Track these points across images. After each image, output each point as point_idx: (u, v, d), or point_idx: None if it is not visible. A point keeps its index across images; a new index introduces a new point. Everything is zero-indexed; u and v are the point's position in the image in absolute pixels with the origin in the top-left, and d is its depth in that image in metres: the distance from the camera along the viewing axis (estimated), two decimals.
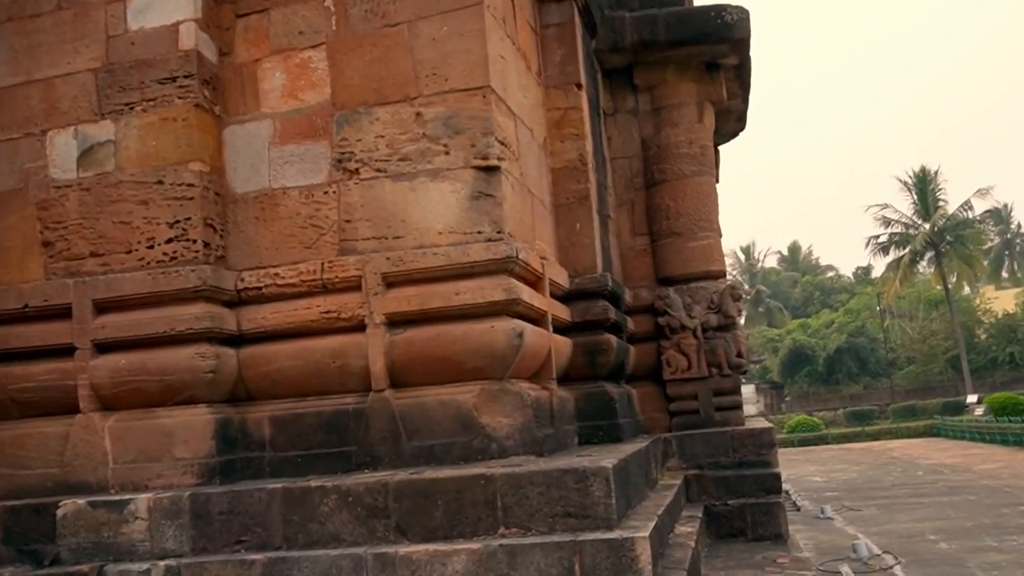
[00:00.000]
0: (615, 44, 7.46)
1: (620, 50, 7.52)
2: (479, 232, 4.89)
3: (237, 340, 5.17)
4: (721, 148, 10.79)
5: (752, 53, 7.99)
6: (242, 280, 5.17)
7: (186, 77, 5.18)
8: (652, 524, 4.28)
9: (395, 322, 4.93)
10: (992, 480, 15.26)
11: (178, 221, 5.10)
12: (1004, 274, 61.43)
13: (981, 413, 35.04)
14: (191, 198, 5.10)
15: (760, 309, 66.83)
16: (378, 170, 5.09)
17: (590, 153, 6.53)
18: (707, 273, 7.58)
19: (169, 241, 5.09)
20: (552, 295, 5.87)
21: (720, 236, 10.61)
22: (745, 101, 9.03)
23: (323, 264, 5.06)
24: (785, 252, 77.89)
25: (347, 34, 5.23)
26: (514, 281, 4.84)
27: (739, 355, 7.44)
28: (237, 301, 5.20)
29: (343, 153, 5.15)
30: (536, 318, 5.30)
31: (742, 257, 72.31)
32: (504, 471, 4.21)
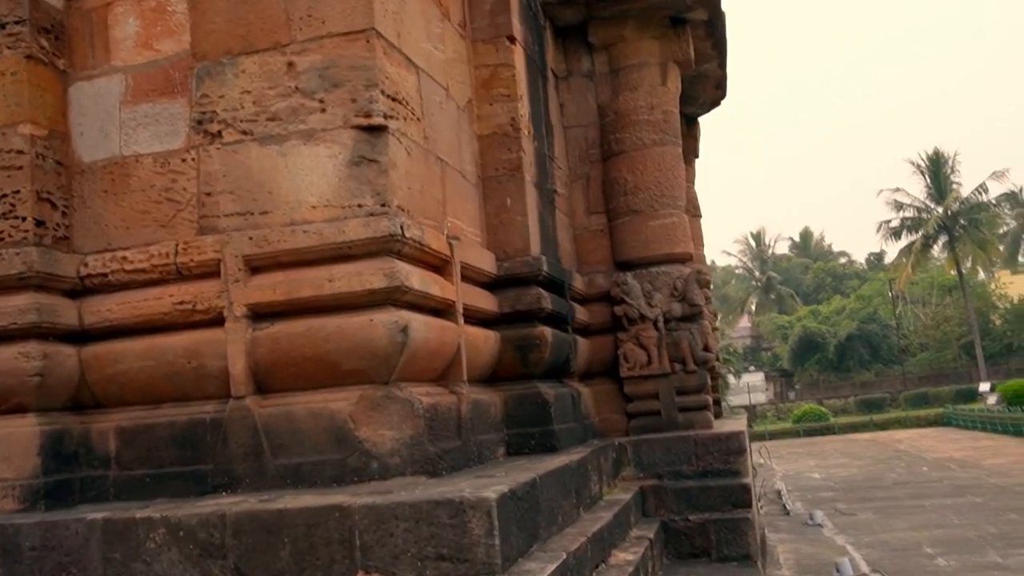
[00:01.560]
0: None
1: (572, 3, 6.62)
2: (359, 205, 4.03)
3: (80, 336, 4.34)
4: (704, 120, 9.92)
5: (725, 8, 7.10)
6: (85, 265, 4.34)
7: (16, 23, 4.34)
8: (553, 567, 3.44)
9: (260, 315, 4.09)
10: (1001, 478, 14.28)
11: (5, 195, 4.26)
12: (1020, 258, 59.89)
13: (994, 402, 33.94)
14: (20, 167, 4.26)
15: (771, 296, 65.61)
16: (244, 132, 4.23)
17: (525, 117, 5.64)
18: (670, 256, 6.69)
19: None
20: (474, 282, 5.03)
21: (698, 216, 9.76)
22: (722, 65, 8.12)
23: (177, 245, 4.22)
24: (797, 238, 76.61)
25: None
26: (400, 264, 3.97)
27: (706, 348, 6.56)
28: (80, 290, 4.36)
29: (204, 113, 4.29)
30: (440, 308, 4.45)
31: (753, 244, 70.85)
32: (364, 501, 3.36)
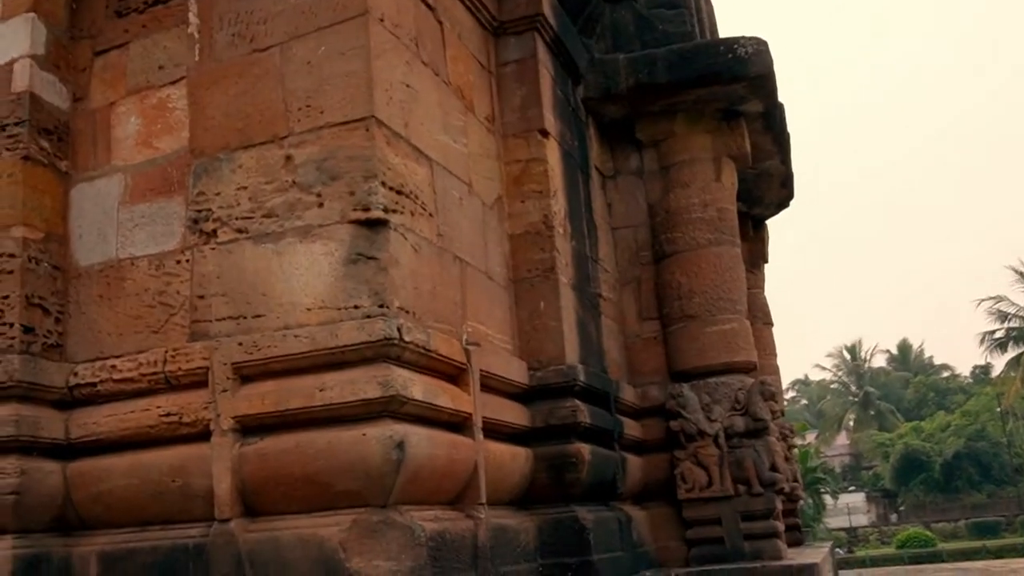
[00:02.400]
0: (607, 91, 6.26)
1: (615, 98, 6.31)
2: (355, 307, 3.66)
3: (67, 451, 4.02)
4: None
5: (781, 98, 6.70)
6: (75, 375, 4.05)
7: (16, 124, 4.19)
8: None
9: (250, 428, 3.70)
10: None
11: None
12: None
13: None
14: (10, 272, 4.04)
15: (870, 412, 62.87)
16: (239, 230, 3.94)
17: (559, 215, 5.27)
18: (730, 365, 6.13)
19: None
20: (501, 393, 4.59)
21: (769, 324, 9.16)
22: (785, 161, 7.66)
23: (166, 353, 3.90)
24: (894, 351, 73.75)
25: (211, 65, 4.17)
26: (398, 371, 3.56)
27: (773, 468, 5.91)
28: (70, 401, 4.07)
29: (199, 211, 4.03)
30: (453, 422, 4.00)
31: (848, 357, 68.46)
32: None
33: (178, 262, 4.06)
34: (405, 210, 3.93)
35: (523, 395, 4.89)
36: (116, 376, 3.96)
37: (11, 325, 3.98)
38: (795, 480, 8.31)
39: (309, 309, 3.74)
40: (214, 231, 3.98)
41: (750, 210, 8.57)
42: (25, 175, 4.13)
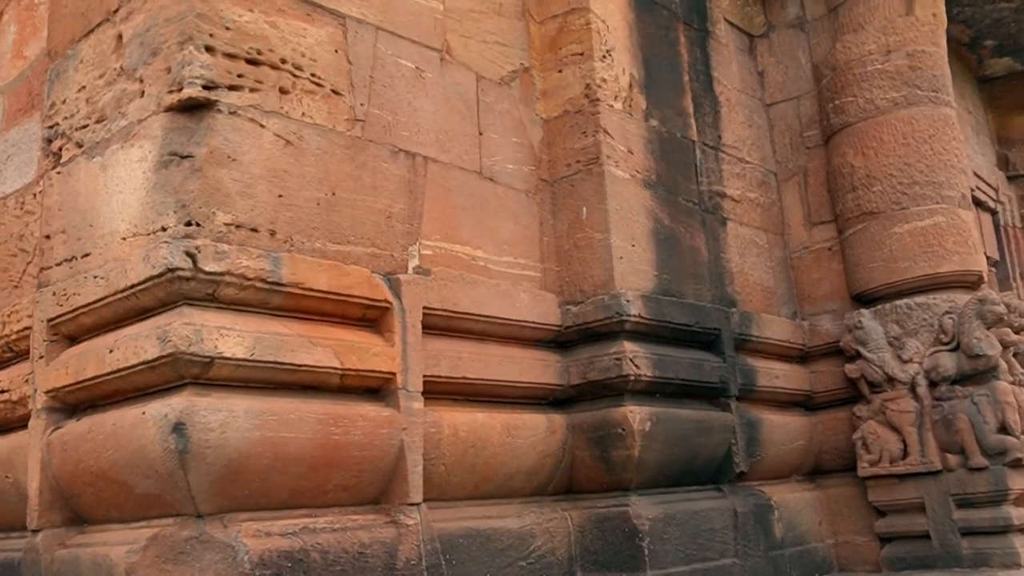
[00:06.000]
0: None
1: None
2: (163, 228, 2.54)
3: None
4: None
5: None
6: None
7: None
8: None
9: (68, 407, 2.74)
10: None
11: None
12: None
13: None
14: None
15: None
16: (78, 144, 2.96)
17: (616, 83, 3.72)
18: (932, 279, 4.21)
19: None
20: (505, 340, 3.31)
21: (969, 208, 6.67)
22: None
23: (4, 313, 3.04)
24: None
25: None
26: (197, 316, 2.39)
27: (1003, 430, 3.95)
28: None
29: (50, 127, 3.10)
30: (360, 387, 2.76)
31: None
32: None
33: (34, 196, 3.19)
34: (263, 85, 2.72)
35: (556, 341, 3.50)
36: None
37: None
38: None
39: (124, 238, 2.67)
40: (60, 150, 3.03)
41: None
42: None
